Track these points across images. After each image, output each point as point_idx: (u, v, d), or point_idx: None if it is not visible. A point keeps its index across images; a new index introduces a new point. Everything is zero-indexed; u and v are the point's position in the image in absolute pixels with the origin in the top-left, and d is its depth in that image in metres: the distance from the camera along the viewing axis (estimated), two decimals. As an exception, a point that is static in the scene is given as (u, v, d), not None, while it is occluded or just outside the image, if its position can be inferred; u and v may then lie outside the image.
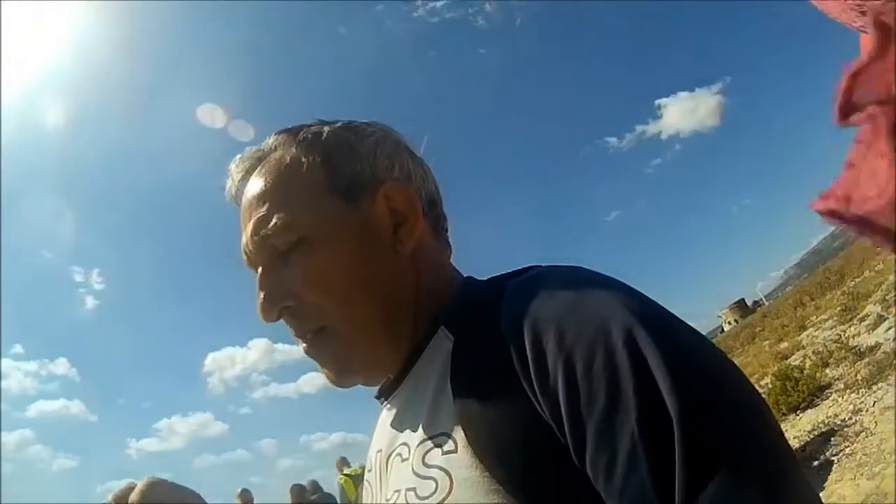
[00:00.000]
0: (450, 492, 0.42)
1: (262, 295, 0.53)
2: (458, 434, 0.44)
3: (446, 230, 0.61)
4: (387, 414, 0.57)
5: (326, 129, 0.56)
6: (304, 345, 0.54)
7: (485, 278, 0.57)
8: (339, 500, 5.37)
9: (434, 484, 0.44)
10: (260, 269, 0.53)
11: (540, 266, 0.52)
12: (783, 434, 0.38)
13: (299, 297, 0.52)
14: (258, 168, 0.55)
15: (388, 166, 0.56)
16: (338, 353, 0.53)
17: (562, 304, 0.42)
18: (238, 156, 0.57)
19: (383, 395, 0.57)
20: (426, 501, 0.44)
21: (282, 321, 0.54)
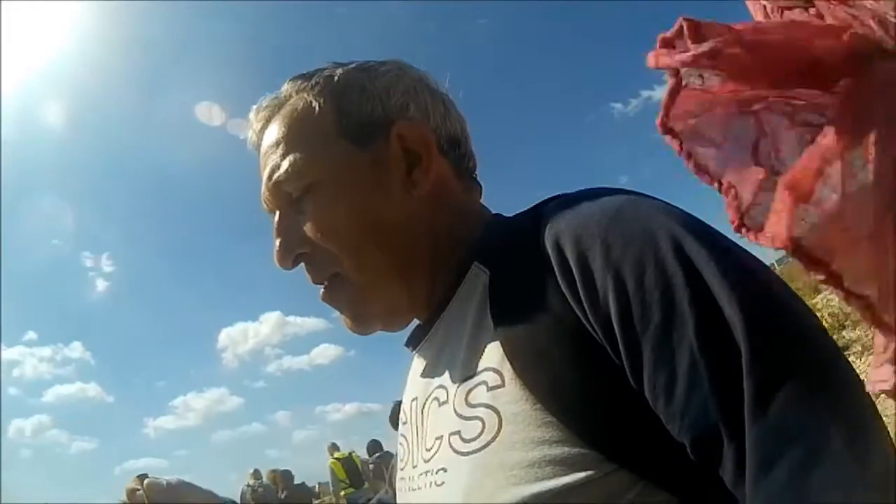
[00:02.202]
0: (499, 430, 0.40)
1: (277, 242, 0.53)
2: (505, 367, 0.41)
3: (473, 169, 0.59)
4: (419, 361, 0.55)
5: (339, 71, 0.55)
6: (322, 291, 0.54)
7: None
8: (330, 483, 6.15)
9: (480, 424, 0.41)
10: (276, 216, 0.54)
11: (572, 192, 0.48)
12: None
13: (311, 243, 0.51)
14: (274, 116, 0.55)
15: (402, 105, 0.54)
16: (352, 300, 0.53)
17: (605, 219, 0.40)
18: (256, 104, 0.57)
19: (413, 341, 0.56)
20: (473, 444, 0.41)
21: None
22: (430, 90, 0.56)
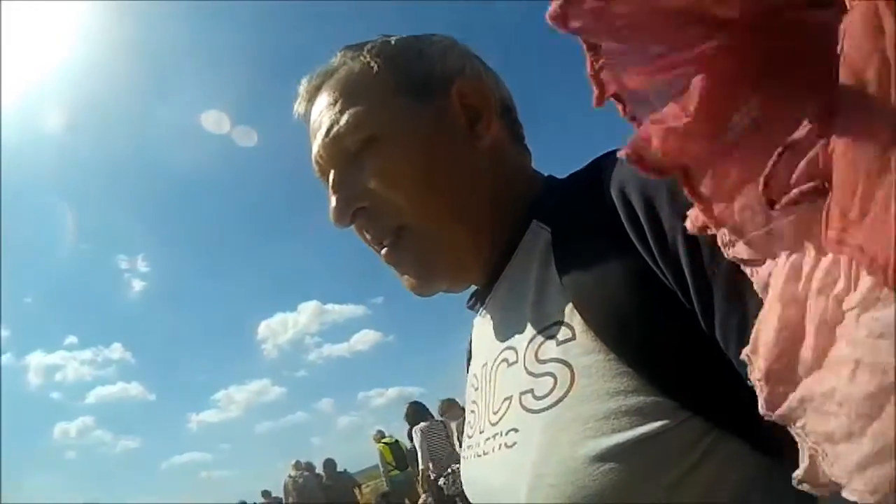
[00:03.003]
0: (572, 384, 0.39)
1: (334, 198, 0.52)
2: (575, 318, 0.41)
3: (523, 136, 0.59)
4: (482, 324, 0.55)
5: (393, 38, 0.56)
6: (384, 250, 0.53)
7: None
8: (380, 465, 6.51)
9: (552, 379, 0.40)
10: (332, 172, 0.53)
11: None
12: None
13: (373, 196, 0.51)
14: (326, 83, 0.54)
15: (459, 67, 0.54)
16: (419, 253, 0.51)
17: None
18: (306, 76, 0.57)
19: (476, 301, 0.56)
20: (545, 400, 0.40)
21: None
22: (481, 61, 0.58)
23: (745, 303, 0.32)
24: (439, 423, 5.16)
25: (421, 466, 5.11)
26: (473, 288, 0.57)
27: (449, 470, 4.80)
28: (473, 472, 0.50)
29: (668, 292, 0.36)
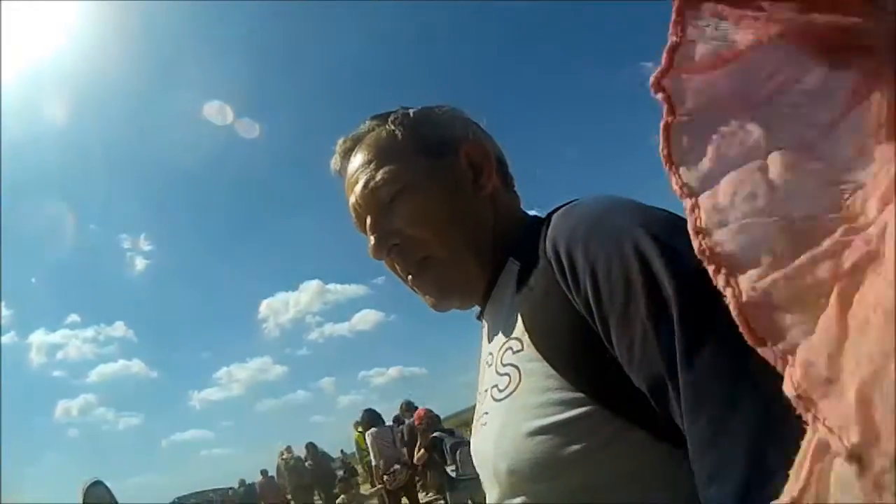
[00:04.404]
0: (519, 381, 0.54)
1: (373, 237, 0.66)
2: (524, 336, 0.55)
3: (514, 185, 0.74)
4: (483, 332, 0.70)
5: (411, 110, 0.71)
6: (410, 277, 0.67)
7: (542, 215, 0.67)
8: (356, 452, 7.44)
9: (508, 378, 0.55)
10: (369, 218, 0.67)
11: (578, 199, 0.60)
12: None
13: (404, 234, 0.65)
14: (358, 146, 0.69)
15: (464, 132, 0.70)
16: (440, 278, 0.66)
17: (587, 226, 0.51)
18: (340, 139, 0.72)
19: (481, 315, 0.70)
20: (504, 392, 0.55)
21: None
22: (479, 126, 0.73)
23: (631, 331, 0.44)
24: (387, 428, 6.30)
25: (373, 463, 6.21)
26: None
27: (392, 469, 5.89)
28: (473, 442, 0.65)
29: (583, 320, 0.49)
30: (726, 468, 0.37)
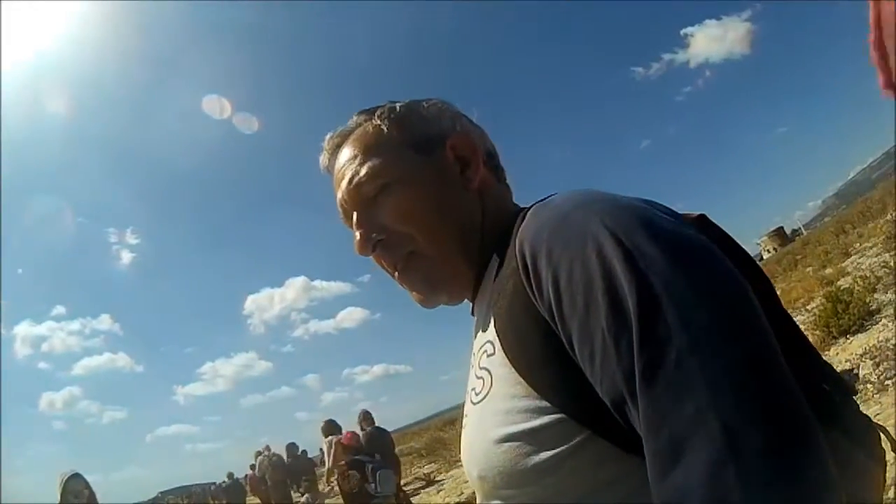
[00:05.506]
0: (491, 386, 0.54)
1: (358, 233, 0.66)
2: (496, 340, 0.55)
3: (505, 178, 0.73)
4: (473, 328, 0.68)
5: (398, 104, 0.70)
6: (397, 273, 0.67)
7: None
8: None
9: (482, 382, 0.56)
10: (355, 214, 0.67)
11: (553, 194, 0.59)
12: (750, 328, 0.41)
13: (389, 230, 0.65)
14: (346, 141, 0.70)
15: (451, 125, 0.70)
16: (426, 273, 0.66)
17: (550, 228, 0.50)
18: (328, 135, 0.72)
19: (473, 311, 0.70)
20: (479, 396, 0.56)
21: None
22: (468, 119, 0.73)
23: (592, 340, 0.44)
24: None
25: (328, 466, 6.69)
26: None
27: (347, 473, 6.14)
28: (461, 442, 0.64)
29: (546, 324, 0.48)
30: (690, 492, 0.37)
